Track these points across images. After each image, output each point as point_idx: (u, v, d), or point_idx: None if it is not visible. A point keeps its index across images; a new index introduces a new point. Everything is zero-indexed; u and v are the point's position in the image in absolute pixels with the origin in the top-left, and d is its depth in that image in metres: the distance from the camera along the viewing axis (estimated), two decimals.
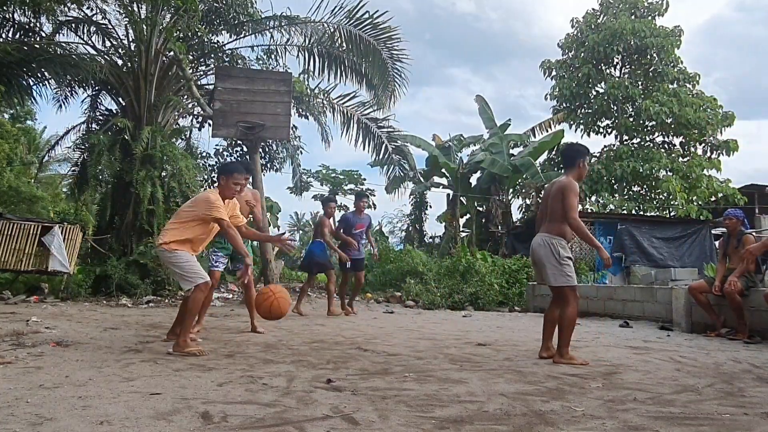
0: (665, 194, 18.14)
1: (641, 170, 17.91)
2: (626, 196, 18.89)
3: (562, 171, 4.70)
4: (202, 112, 11.54)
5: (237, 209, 5.04)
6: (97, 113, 13.35)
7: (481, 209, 19.63)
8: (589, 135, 20.68)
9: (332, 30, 11.54)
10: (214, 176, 13.83)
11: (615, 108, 19.70)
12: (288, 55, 12.40)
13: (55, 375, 3.37)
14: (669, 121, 18.28)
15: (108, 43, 11.83)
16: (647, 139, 19.93)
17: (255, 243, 7.80)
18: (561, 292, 4.34)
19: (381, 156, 14.06)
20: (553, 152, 20.80)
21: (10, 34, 11.06)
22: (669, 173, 18.15)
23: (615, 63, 20.28)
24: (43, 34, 11.54)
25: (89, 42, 11.77)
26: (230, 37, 12.23)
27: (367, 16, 11.21)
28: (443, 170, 19.76)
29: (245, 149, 13.05)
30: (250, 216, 6.09)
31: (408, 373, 3.71)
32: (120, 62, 11.87)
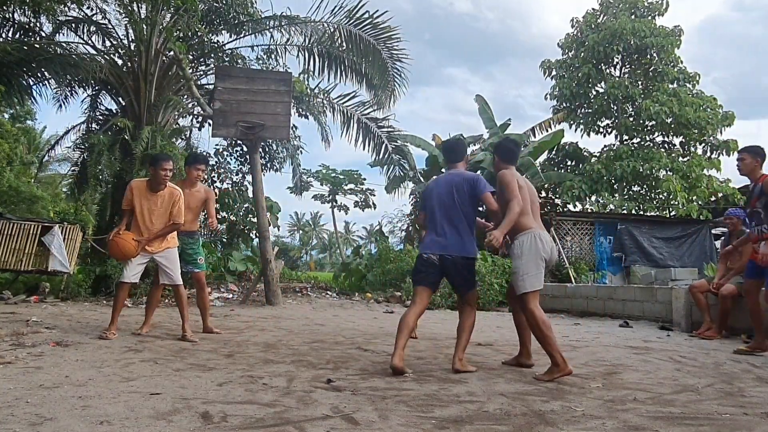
0: (665, 194, 18.12)
1: (641, 170, 17.90)
2: (626, 196, 18.87)
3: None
4: (202, 112, 11.53)
5: (171, 207, 5.24)
6: (97, 113, 13.35)
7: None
8: (589, 135, 20.68)
9: (332, 30, 11.53)
10: (214, 176, 13.84)
11: (615, 108, 19.69)
12: (288, 55, 12.39)
13: (55, 375, 3.37)
14: (669, 120, 18.26)
15: (108, 43, 11.83)
16: (647, 138, 19.91)
17: (255, 243, 7.83)
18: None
19: (381, 156, 14.06)
20: (553, 152, 20.79)
21: (10, 34, 11.06)
22: (669, 173, 18.13)
23: (615, 63, 20.26)
24: (43, 34, 11.53)
25: (89, 42, 11.77)
26: (230, 36, 12.22)
27: (367, 15, 11.20)
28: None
29: (245, 149, 13.04)
30: (203, 212, 6.04)
31: (408, 373, 3.71)
32: (120, 62, 11.86)
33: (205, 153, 12.21)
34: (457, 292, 4.15)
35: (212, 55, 12.54)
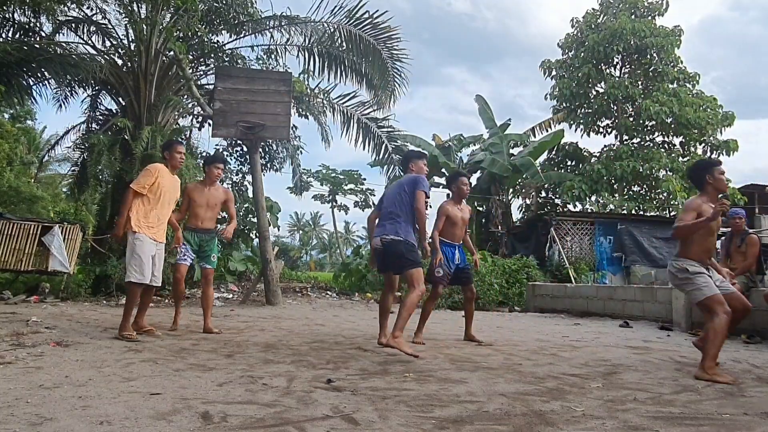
0: (665, 194, 18.14)
1: (641, 170, 17.91)
2: (626, 196, 18.89)
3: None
4: (202, 112, 11.53)
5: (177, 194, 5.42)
6: (97, 113, 13.35)
7: (481, 209, 19.64)
8: (589, 135, 20.70)
9: (332, 30, 11.53)
10: None
11: (615, 108, 19.71)
12: (288, 55, 12.40)
13: (55, 375, 3.36)
14: (669, 120, 18.28)
15: (108, 43, 11.83)
16: (647, 139, 19.93)
17: (255, 243, 7.87)
18: None
19: (381, 156, 14.05)
20: (553, 152, 20.80)
21: (10, 34, 11.06)
22: (669, 173, 18.15)
23: (615, 63, 20.28)
24: (43, 34, 11.53)
25: (89, 42, 11.77)
26: (230, 37, 12.22)
27: (367, 15, 11.20)
28: (443, 170, 19.78)
29: (245, 149, 13.05)
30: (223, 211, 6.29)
31: (408, 373, 3.71)
32: (120, 62, 11.86)
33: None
34: (396, 272, 4.78)
35: (212, 55, 12.54)
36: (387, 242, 4.52)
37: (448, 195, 6.75)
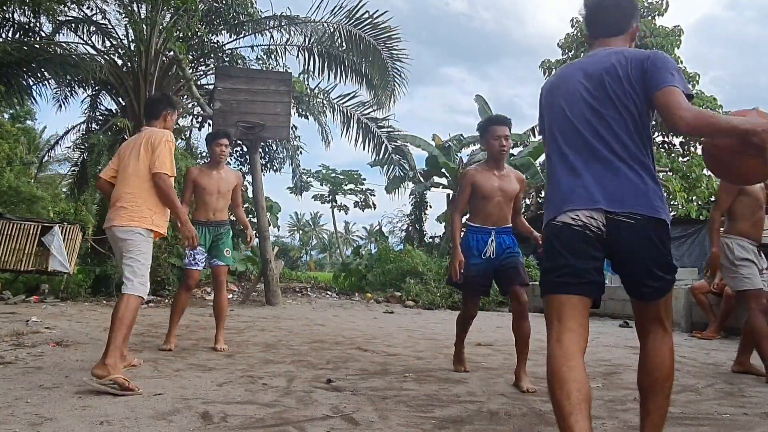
0: (665, 194, 18.15)
1: None
2: None
3: None
4: (202, 112, 11.54)
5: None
6: (97, 113, 13.37)
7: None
8: None
9: (332, 30, 11.55)
10: None
11: None
12: (288, 55, 12.43)
13: (55, 375, 3.37)
14: None
15: (108, 43, 11.85)
16: None
17: (256, 242, 7.73)
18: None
19: (381, 156, 14.08)
20: None
21: (10, 34, 11.08)
22: (669, 173, 18.14)
23: None
24: (43, 34, 11.55)
25: (89, 42, 11.79)
26: (230, 37, 12.25)
27: (366, 16, 11.23)
28: (443, 170, 19.76)
29: (245, 149, 13.05)
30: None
31: (408, 373, 3.72)
32: (120, 62, 11.87)
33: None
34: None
35: (212, 55, 12.55)
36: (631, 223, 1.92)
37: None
